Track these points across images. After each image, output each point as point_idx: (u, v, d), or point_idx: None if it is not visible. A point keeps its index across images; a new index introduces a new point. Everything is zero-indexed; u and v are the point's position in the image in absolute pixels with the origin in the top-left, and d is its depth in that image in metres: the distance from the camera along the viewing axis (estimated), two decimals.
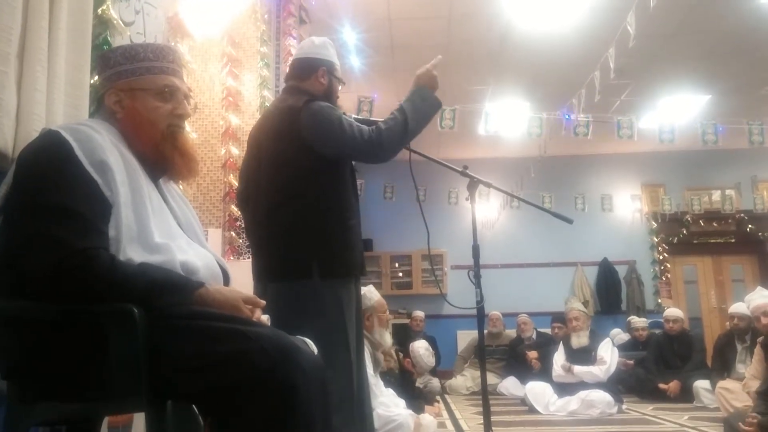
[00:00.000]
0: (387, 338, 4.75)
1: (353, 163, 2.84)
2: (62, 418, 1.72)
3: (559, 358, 6.62)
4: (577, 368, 6.36)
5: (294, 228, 2.64)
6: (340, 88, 2.93)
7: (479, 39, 7.07)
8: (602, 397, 6.10)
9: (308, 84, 2.84)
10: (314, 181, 2.65)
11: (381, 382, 4.70)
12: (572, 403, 6.17)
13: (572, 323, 6.68)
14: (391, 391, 4.74)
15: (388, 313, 4.92)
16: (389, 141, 2.64)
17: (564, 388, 6.36)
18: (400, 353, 6.58)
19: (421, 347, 7.89)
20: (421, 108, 2.75)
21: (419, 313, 9.50)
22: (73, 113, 2.25)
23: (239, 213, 4.79)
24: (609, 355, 6.41)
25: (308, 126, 2.63)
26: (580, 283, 10.97)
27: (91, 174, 1.59)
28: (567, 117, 7.26)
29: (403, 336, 9.41)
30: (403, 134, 2.68)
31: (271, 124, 2.77)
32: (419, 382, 7.63)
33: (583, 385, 6.26)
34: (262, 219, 2.73)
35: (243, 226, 4.75)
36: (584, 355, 6.46)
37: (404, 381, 6.13)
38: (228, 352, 1.50)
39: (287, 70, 3.04)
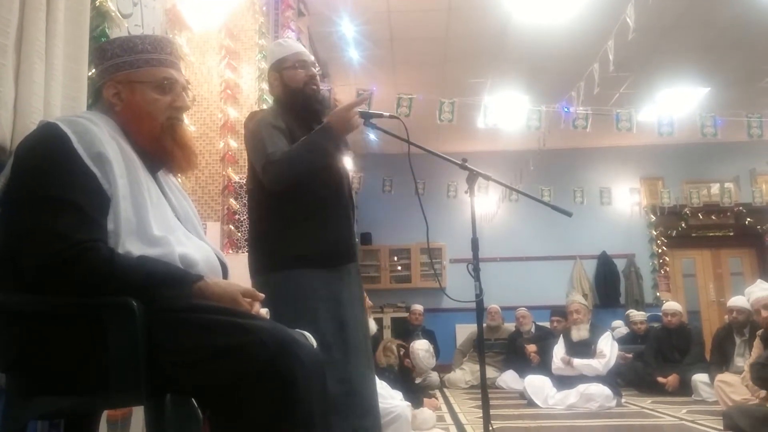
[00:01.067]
0: (371, 325, 4.78)
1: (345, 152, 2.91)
2: (61, 412, 1.71)
3: (559, 351, 6.62)
4: (577, 361, 6.36)
5: (252, 226, 2.88)
6: (303, 67, 2.90)
7: (478, 32, 7.06)
8: (601, 390, 6.11)
9: (273, 92, 3.00)
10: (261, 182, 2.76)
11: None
12: (571, 396, 6.18)
13: (573, 316, 6.70)
14: (384, 383, 4.74)
15: (368, 300, 4.98)
16: (276, 169, 2.64)
17: (563, 382, 6.37)
18: (402, 348, 6.59)
19: (421, 349, 7.85)
20: (314, 149, 2.66)
21: (418, 307, 9.52)
22: (71, 105, 2.24)
23: (237, 206, 4.80)
24: (609, 349, 6.42)
25: (245, 137, 2.87)
26: (578, 277, 10.98)
27: (89, 166, 1.58)
28: (566, 110, 7.25)
29: (402, 329, 9.44)
30: (288, 170, 2.64)
31: None
32: (417, 378, 7.67)
33: (582, 378, 6.27)
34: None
35: (241, 219, 4.77)
36: (584, 349, 6.46)
37: (403, 377, 6.15)
38: (227, 345, 1.50)
39: None
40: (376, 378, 4.62)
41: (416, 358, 7.66)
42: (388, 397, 4.41)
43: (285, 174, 2.64)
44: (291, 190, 2.69)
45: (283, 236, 2.71)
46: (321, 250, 2.73)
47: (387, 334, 10.00)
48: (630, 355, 7.79)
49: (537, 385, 6.50)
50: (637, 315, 8.68)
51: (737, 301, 6.23)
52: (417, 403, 5.26)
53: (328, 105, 2.96)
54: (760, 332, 5.11)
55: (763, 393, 4.73)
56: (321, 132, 2.66)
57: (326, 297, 2.70)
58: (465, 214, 3.14)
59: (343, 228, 2.85)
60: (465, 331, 9.69)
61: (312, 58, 3.03)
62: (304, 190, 2.72)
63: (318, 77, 2.98)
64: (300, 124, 2.82)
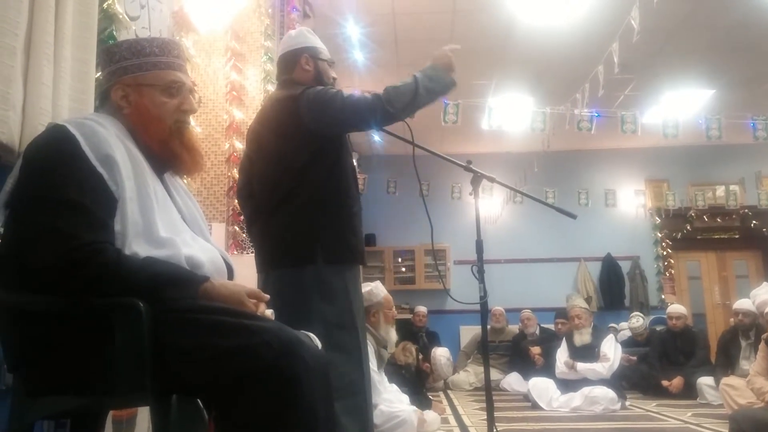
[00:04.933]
0: (392, 335, 4.77)
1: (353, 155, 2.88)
2: (67, 412, 1.72)
3: (561, 355, 6.62)
4: (580, 365, 6.36)
5: (299, 215, 2.67)
6: (331, 67, 2.96)
7: (483, 33, 7.06)
8: (605, 393, 6.10)
9: (296, 74, 2.89)
10: (316, 169, 2.68)
11: (385, 378, 4.72)
12: (575, 399, 6.18)
13: (574, 321, 6.69)
14: (394, 387, 4.75)
15: (394, 309, 4.97)
16: (396, 99, 2.60)
17: (567, 384, 6.36)
18: (420, 353, 6.67)
19: (443, 356, 8.08)
20: (433, 80, 2.69)
21: (421, 309, 9.51)
22: (79, 108, 2.25)
23: None
24: (612, 352, 6.41)
25: (309, 110, 2.66)
26: (583, 279, 10.96)
27: (97, 168, 1.59)
28: (571, 112, 7.25)
29: (406, 331, 9.45)
30: (413, 96, 2.63)
31: (272, 117, 2.81)
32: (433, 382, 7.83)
33: (586, 381, 6.26)
34: (269, 210, 2.76)
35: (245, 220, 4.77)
36: (587, 352, 6.46)
37: (418, 379, 6.22)
38: (232, 345, 1.51)
39: (276, 70, 3.09)
40: (386, 381, 4.68)
41: (437, 365, 7.82)
42: (396, 401, 4.43)
43: (408, 100, 2.62)
44: (338, 183, 2.70)
45: (332, 229, 2.67)
46: (360, 245, 2.76)
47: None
48: (634, 358, 7.77)
49: (541, 387, 6.49)
50: (636, 324, 8.43)
51: (743, 303, 6.23)
52: (424, 405, 5.27)
53: None
54: (765, 336, 5.10)
55: None
56: (434, 66, 2.72)
57: (357, 295, 2.73)
58: (469, 215, 3.16)
59: (361, 225, 2.87)
60: (469, 333, 9.69)
61: None
62: (343, 183, 2.74)
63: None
64: None
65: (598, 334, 6.64)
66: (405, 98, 2.62)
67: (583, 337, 6.56)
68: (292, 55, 2.91)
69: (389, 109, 2.60)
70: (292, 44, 2.94)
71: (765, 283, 5.60)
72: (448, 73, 2.73)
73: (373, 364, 4.02)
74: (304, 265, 2.63)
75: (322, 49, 2.95)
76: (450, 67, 2.75)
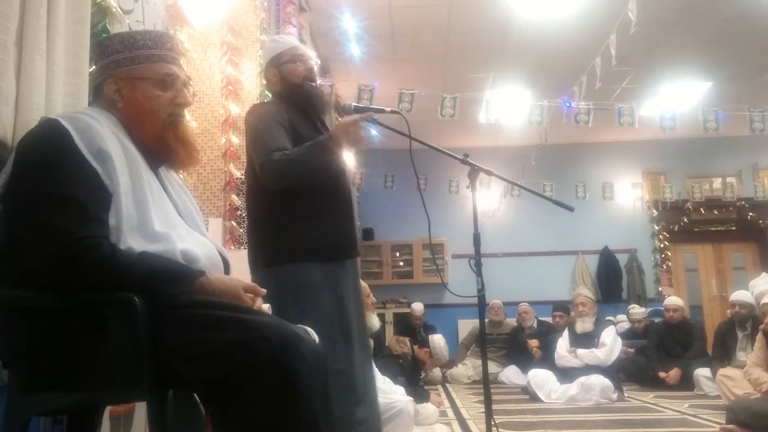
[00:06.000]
0: (374, 321, 4.80)
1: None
2: (64, 408, 1.72)
3: (563, 343, 6.67)
4: (580, 350, 6.43)
5: (254, 219, 2.83)
6: (300, 61, 2.92)
7: (480, 27, 7.04)
8: (600, 381, 6.13)
9: (271, 87, 3.00)
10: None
11: (374, 368, 4.71)
12: (572, 388, 6.19)
13: (578, 308, 6.78)
14: (387, 378, 4.74)
15: (372, 296, 5.05)
16: (274, 170, 2.60)
17: (566, 375, 6.39)
18: (414, 345, 6.72)
19: (441, 341, 8.15)
20: (315, 158, 2.64)
21: (418, 310, 9.36)
22: (72, 102, 2.23)
23: (239, 202, 4.79)
24: (611, 340, 6.45)
25: (245, 128, 2.83)
26: (581, 272, 10.97)
27: (90, 163, 1.58)
28: (568, 105, 7.24)
29: (404, 326, 9.45)
30: (285, 172, 2.61)
31: None
32: (431, 369, 7.88)
33: (584, 371, 6.28)
34: (248, 215, 2.95)
35: (243, 215, 4.77)
36: (587, 341, 6.53)
37: (414, 367, 6.24)
38: (229, 340, 1.50)
39: None
40: (379, 373, 4.66)
41: (435, 348, 7.87)
42: (390, 392, 4.41)
43: (283, 176, 2.62)
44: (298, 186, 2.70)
45: (286, 230, 2.69)
46: (324, 244, 2.73)
47: (389, 329, 10.02)
48: (632, 350, 7.79)
49: (540, 378, 6.51)
50: (636, 313, 8.62)
51: (740, 295, 6.24)
52: (421, 398, 5.27)
53: (327, 101, 2.96)
54: (762, 327, 5.11)
55: (765, 387, 4.73)
56: (324, 141, 2.66)
57: (328, 290, 2.70)
58: (467, 209, 3.14)
59: (344, 222, 2.86)
60: (467, 326, 9.69)
61: (307, 51, 3.04)
62: (307, 185, 2.72)
63: (315, 70, 2.98)
64: (302, 119, 2.83)
65: (600, 325, 6.76)
66: (279, 174, 2.61)
67: (585, 325, 6.65)
68: (265, 74, 3.03)
69: (262, 177, 2.63)
70: (264, 61, 3.04)
71: (764, 273, 5.62)
72: (331, 151, 2.64)
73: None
74: (265, 267, 2.71)
75: (283, 53, 2.92)
76: (348, 141, 2.65)
